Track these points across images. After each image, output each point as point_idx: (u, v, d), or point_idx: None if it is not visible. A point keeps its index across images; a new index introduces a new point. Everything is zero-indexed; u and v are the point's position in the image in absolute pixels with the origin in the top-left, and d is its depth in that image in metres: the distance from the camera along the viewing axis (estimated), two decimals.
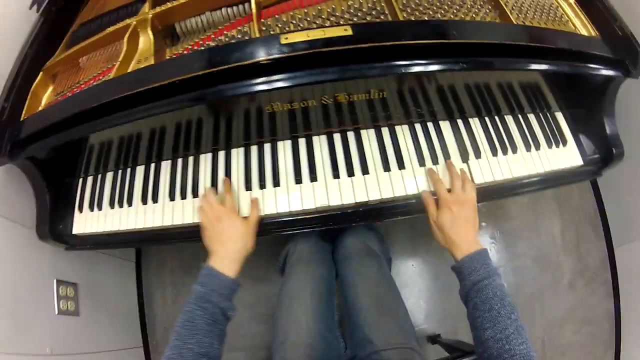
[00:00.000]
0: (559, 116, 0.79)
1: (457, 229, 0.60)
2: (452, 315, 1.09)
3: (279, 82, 0.59)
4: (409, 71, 0.61)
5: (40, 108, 0.80)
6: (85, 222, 0.77)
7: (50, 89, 0.83)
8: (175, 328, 0.54)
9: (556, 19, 0.78)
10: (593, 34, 0.72)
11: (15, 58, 0.81)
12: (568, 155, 0.76)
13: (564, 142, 0.77)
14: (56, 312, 0.89)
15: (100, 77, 0.75)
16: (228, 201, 0.65)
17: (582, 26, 0.75)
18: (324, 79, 0.59)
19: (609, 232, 1.22)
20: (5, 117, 0.74)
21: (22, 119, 0.75)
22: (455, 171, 0.67)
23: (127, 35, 0.73)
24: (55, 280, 0.90)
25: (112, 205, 0.76)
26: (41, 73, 0.81)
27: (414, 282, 1.24)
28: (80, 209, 0.78)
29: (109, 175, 0.79)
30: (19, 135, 0.71)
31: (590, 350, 1.21)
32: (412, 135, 0.72)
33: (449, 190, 0.65)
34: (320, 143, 0.71)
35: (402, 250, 1.25)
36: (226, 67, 0.58)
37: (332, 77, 0.59)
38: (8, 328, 0.76)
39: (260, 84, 0.59)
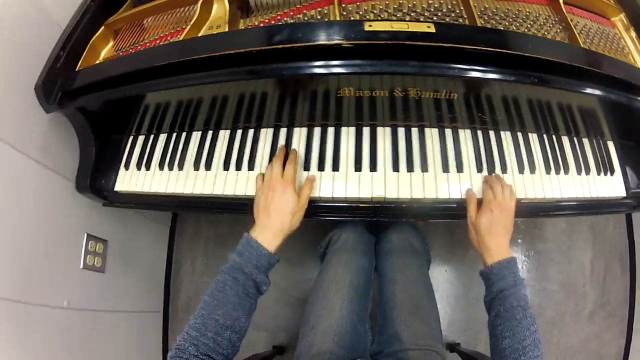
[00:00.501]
0: (610, 145, 0.80)
1: (493, 234, 0.61)
2: (474, 327, 1.09)
3: (358, 67, 0.59)
4: (483, 77, 0.62)
5: (97, 61, 0.81)
6: (130, 180, 0.76)
7: (111, 44, 0.83)
8: (204, 297, 0.53)
9: (618, 49, 0.78)
10: None
11: (77, 8, 0.81)
12: (613, 185, 0.76)
13: (612, 171, 0.77)
14: (81, 266, 0.88)
15: (167, 39, 0.75)
16: (289, 172, 0.63)
17: None
18: (403, 71, 0.60)
19: (635, 270, 1.22)
20: (60, 65, 0.74)
21: (77, 69, 0.75)
22: (502, 179, 0.67)
23: (201, 0, 0.72)
24: (85, 234, 0.90)
25: (161, 166, 0.75)
26: (103, 27, 0.81)
27: (444, 288, 1.24)
28: (127, 166, 0.78)
29: (162, 137, 0.78)
30: (72, 85, 0.71)
31: None
32: (473, 141, 0.72)
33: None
34: (384, 134, 0.71)
35: (437, 254, 1.25)
36: (306, 44, 0.58)
37: (411, 71, 0.59)
38: (29, 275, 0.75)
39: (339, 67, 0.59)
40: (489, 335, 0.57)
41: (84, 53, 0.78)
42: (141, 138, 0.81)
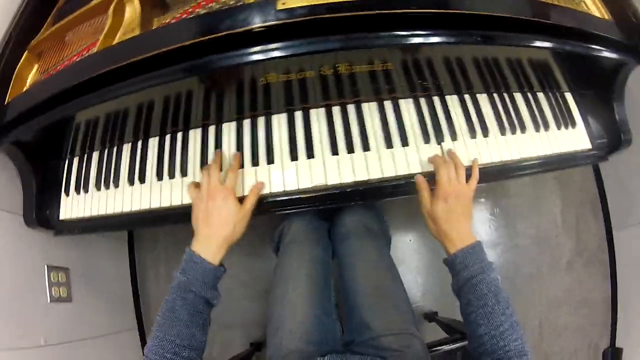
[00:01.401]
0: (569, 97, 0.75)
1: (451, 222, 0.56)
2: (449, 293, 1.06)
3: (275, 51, 0.53)
4: (418, 42, 0.56)
5: (25, 89, 0.74)
6: (72, 206, 0.73)
7: (35, 67, 0.77)
8: (157, 318, 0.51)
9: None
10: (606, 17, 0.67)
11: None
12: (577, 138, 0.72)
13: (573, 124, 0.73)
14: (49, 300, 0.84)
15: (85, 52, 0.69)
16: (229, 179, 0.58)
17: (595, 9, 0.69)
18: (325, 48, 0.53)
19: (609, 216, 1.19)
20: None
21: (6, 102, 0.70)
22: (460, 161, 0.61)
23: (112, 6, 0.67)
24: (45, 267, 0.85)
25: (98, 187, 0.71)
26: (26, 52, 0.75)
27: (411, 258, 1.20)
28: (67, 192, 0.74)
29: (95, 156, 0.74)
30: (4, 119, 0.66)
31: (586, 332, 1.20)
32: (416, 110, 0.66)
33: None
34: (318, 117, 0.65)
35: (399, 225, 1.20)
36: (217, 35, 0.53)
37: (334, 47, 0.53)
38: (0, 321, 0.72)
39: (255, 54, 0.53)
40: (463, 321, 0.55)
41: (11, 84, 0.73)
42: (76, 160, 0.76)
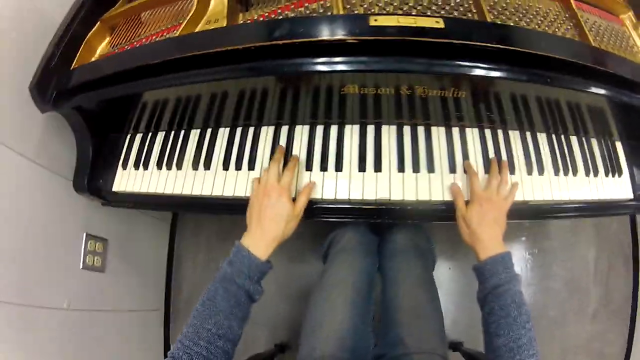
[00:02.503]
0: (618, 146, 0.76)
1: (485, 226, 0.57)
2: (478, 326, 1.05)
3: (363, 64, 0.55)
4: (495, 75, 0.58)
5: (93, 59, 0.77)
6: (127, 180, 0.73)
7: (107, 40, 0.79)
8: (196, 305, 0.51)
9: (627, 48, 0.75)
10: None
11: (72, 4, 0.77)
12: (620, 187, 0.73)
13: (620, 173, 0.74)
14: (81, 266, 0.86)
15: (164, 34, 0.71)
16: (285, 179, 0.59)
17: None
18: (410, 69, 0.56)
19: (638, 269, 1.19)
20: (54, 63, 0.70)
21: (72, 67, 0.71)
22: (496, 171, 0.63)
23: None
24: (84, 234, 0.87)
25: (159, 166, 0.72)
26: (99, 23, 0.77)
27: (447, 286, 1.20)
28: (125, 166, 0.75)
29: (160, 135, 0.75)
30: (67, 84, 0.67)
31: None
32: (481, 140, 0.68)
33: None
34: (389, 133, 0.67)
35: (440, 251, 1.16)
36: (308, 40, 0.55)
37: (419, 69, 0.56)
38: (28, 278, 0.73)
39: (343, 64, 0.55)
40: (483, 332, 0.55)
41: (79, 50, 0.74)
42: (139, 137, 0.77)
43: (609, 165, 0.74)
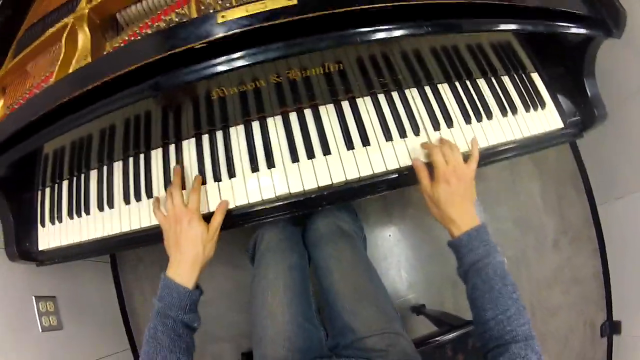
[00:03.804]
0: (536, 77, 0.72)
1: (454, 205, 0.54)
2: (435, 283, 1.03)
3: (218, 66, 0.51)
4: (365, 39, 0.53)
5: None
6: (49, 237, 0.72)
7: (2, 102, 0.76)
8: (143, 347, 0.51)
9: None
10: None
11: None
12: (547, 119, 0.70)
13: (542, 105, 0.70)
14: (40, 330, 0.84)
15: (44, 83, 0.69)
16: (193, 201, 0.57)
17: None
18: (267, 58, 0.51)
19: (591, 191, 1.17)
20: None
21: None
22: (452, 143, 0.60)
23: (64, 36, 0.66)
24: (34, 297, 0.85)
25: (70, 215, 0.70)
26: None
27: (393, 253, 1.17)
28: (43, 223, 0.73)
29: (65, 185, 0.73)
30: None
31: (582, 309, 1.17)
32: (375, 108, 0.64)
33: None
34: (275, 125, 0.63)
35: (376, 221, 1.17)
36: (160, 57, 0.51)
37: (277, 55, 0.51)
38: None
39: (198, 71, 0.51)
40: (469, 306, 0.53)
41: None
42: (47, 190, 0.75)
43: (528, 100, 0.70)
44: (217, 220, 0.58)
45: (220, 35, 0.50)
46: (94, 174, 0.70)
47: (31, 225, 0.74)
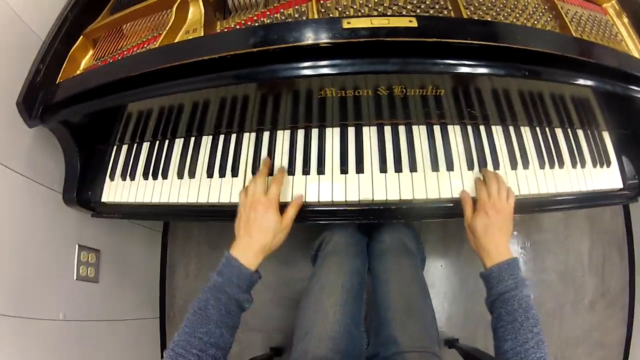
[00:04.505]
0: (605, 136, 0.76)
1: (490, 236, 0.57)
2: (472, 322, 1.06)
3: (338, 67, 0.55)
4: (470, 72, 0.58)
5: (77, 72, 0.78)
6: (115, 191, 0.74)
7: (90, 53, 0.80)
8: (187, 314, 0.52)
9: (611, 37, 0.74)
10: None
11: (55, 20, 0.78)
12: (610, 177, 0.73)
13: (608, 163, 0.73)
14: (75, 278, 0.86)
15: (145, 46, 0.72)
16: (273, 191, 0.60)
17: (634, 48, 0.71)
18: (384, 70, 0.56)
19: (633, 258, 1.18)
20: (40, 79, 0.71)
21: (57, 82, 0.72)
22: (502, 180, 0.63)
23: (176, 4, 0.69)
24: (77, 246, 0.88)
25: (145, 176, 0.73)
26: (81, 37, 0.78)
27: (440, 283, 1.20)
28: (112, 177, 0.76)
29: (145, 146, 0.76)
30: (53, 99, 0.68)
31: None
32: (463, 137, 0.68)
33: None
34: (370, 134, 0.67)
35: (432, 249, 1.21)
36: (283, 46, 0.55)
37: (393, 69, 0.56)
38: (23, 290, 0.74)
39: (318, 68, 0.55)
40: (493, 337, 0.55)
41: (64, 65, 0.75)
42: (125, 147, 0.78)
43: (596, 156, 0.73)
44: (290, 214, 0.60)
45: (345, 39, 0.55)
46: (179, 142, 0.73)
47: (98, 176, 0.77)
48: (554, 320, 1.19)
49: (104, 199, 0.75)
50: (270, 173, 0.65)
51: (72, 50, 0.77)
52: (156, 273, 1.20)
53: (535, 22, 0.70)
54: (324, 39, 0.55)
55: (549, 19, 0.72)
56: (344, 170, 0.65)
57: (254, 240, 0.57)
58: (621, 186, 0.72)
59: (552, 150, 0.72)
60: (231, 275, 0.54)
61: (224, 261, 0.56)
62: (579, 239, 1.23)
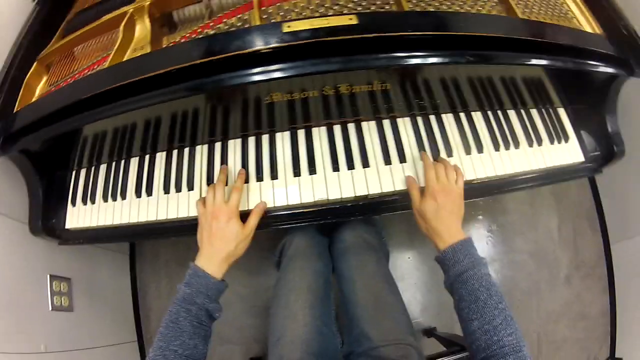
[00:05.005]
0: (561, 112, 0.77)
1: (440, 219, 0.57)
2: (448, 309, 1.06)
3: (280, 71, 0.56)
4: (414, 63, 0.59)
5: (33, 99, 0.77)
6: (78, 216, 0.75)
7: (44, 79, 0.80)
8: (160, 328, 0.52)
9: (561, 15, 0.75)
10: (597, 31, 0.69)
11: (9, 49, 0.78)
12: (570, 152, 0.74)
13: (566, 139, 0.75)
14: (50, 309, 0.86)
15: (95, 67, 0.72)
16: (233, 200, 0.60)
17: (586, 24, 0.72)
18: (326, 69, 0.56)
19: (606, 229, 1.21)
20: None
21: (15, 110, 0.72)
22: (449, 163, 0.64)
23: (123, 23, 0.69)
24: (48, 276, 0.87)
25: (105, 198, 0.73)
26: (35, 63, 0.78)
27: (411, 275, 1.22)
28: (74, 202, 0.76)
29: (103, 168, 0.76)
30: (12, 128, 0.68)
31: (585, 345, 1.20)
32: (414, 128, 0.69)
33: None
34: (320, 135, 0.67)
35: (398, 242, 1.23)
36: (225, 55, 0.55)
37: (335, 68, 0.56)
38: (2, 326, 0.73)
39: (261, 74, 0.56)
40: (458, 319, 0.55)
41: (20, 93, 0.75)
42: (83, 171, 0.78)
43: (553, 133, 0.75)
44: (252, 222, 0.61)
45: (285, 43, 0.55)
46: (134, 161, 0.73)
47: (60, 203, 0.76)
48: (530, 298, 1.21)
49: (67, 225, 0.75)
50: (227, 183, 0.66)
51: (27, 77, 0.76)
52: (128, 296, 1.21)
53: (480, 9, 0.71)
54: (265, 44, 0.56)
55: (494, 4, 0.73)
56: (296, 172, 0.66)
57: (217, 250, 0.57)
58: (582, 159, 0.74)
59: (507, 132, 0.73)
60: (199, 285, 0.54)
61: (191, 272, 0.56)
62: (546, 216, 1.25)
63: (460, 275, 0.53)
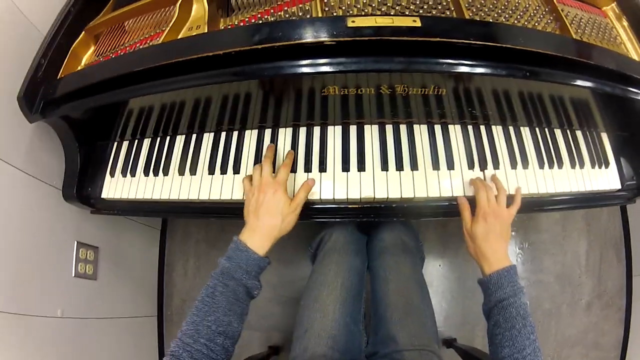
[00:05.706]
0: (604, 137, 0.78)
1: (489, 242, 0.58)
2: (470, 321, 1.07)
3: (342, 65, 0.56)
4: (474, 72, 0.59)
5: (79, 68, 0.78)
6: (116, 187, 0.75)
7: (92, 49, 0.81)
8: (195, 302, 0.52)
9: (610, 39, 0.76)
10: None
11: (57, 15, 0.79)
12: (608, 178, 0.74)
13: (607, 164, 0.75)
14: (73, 275, 0.87)
15: (147, 42, 0.72)
16: (281, 174, 0.60)
17: (633, 50, 0.73)
18: (389, 68, 0.57)
19: (631, 259, 1.20)
20: (41, 74, 0.72)
21: (59, 77, 0.73)
22: (502, 185, 0.64)
23: (180, 1, 0.69)
24: (76, 242, 0.88)
25: (146, 172, 0.73)
26: (83, 32, 0.79)
27: (439, 283, 1.22)
28: (112, 173, 0.76)
29: (146, 142, 0.76)
30: (54, 94, 0.69)
31: None
32: (464, 136, 0.69)
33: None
34: (372, 132, 0.68)
35: (431, 248, 1.23)
36: (288, 43, 0.56)
37: (398, 68, 0.57)
38: (21, 287, 0.74)
39: (322, 65, 0.56)
40: (488, 343, 0.56)
41: (66, 60, 0.76)
42: (125, 144, 0.78)
43: (595, 157, 0.75)
44: (301, 196, 0.60)
45: (350, 38, 0.56)
46: (180, 139, 0.74)
47: (97, 172, 0.77)
48: (550, 320, 1.20)
49: (104, 195, 0.76)
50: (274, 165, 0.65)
51: (73, 45, 0.77)
52: (154, 271, 1.21)
53: (536, 24, 0.72)
54: (328, 37, 0.56)
55: (549, 21, 0.73)
56: (345, 168, 0.66)
57: (262, 224, 0.57)
58: (619, 187, 0.74)
59: (552, 150, 0.73)
60: (239, 260, 0.54)
61: (233, 246, 0.55)
62: (576, 239, 1.25)
63: (500, 302, 0.54)
